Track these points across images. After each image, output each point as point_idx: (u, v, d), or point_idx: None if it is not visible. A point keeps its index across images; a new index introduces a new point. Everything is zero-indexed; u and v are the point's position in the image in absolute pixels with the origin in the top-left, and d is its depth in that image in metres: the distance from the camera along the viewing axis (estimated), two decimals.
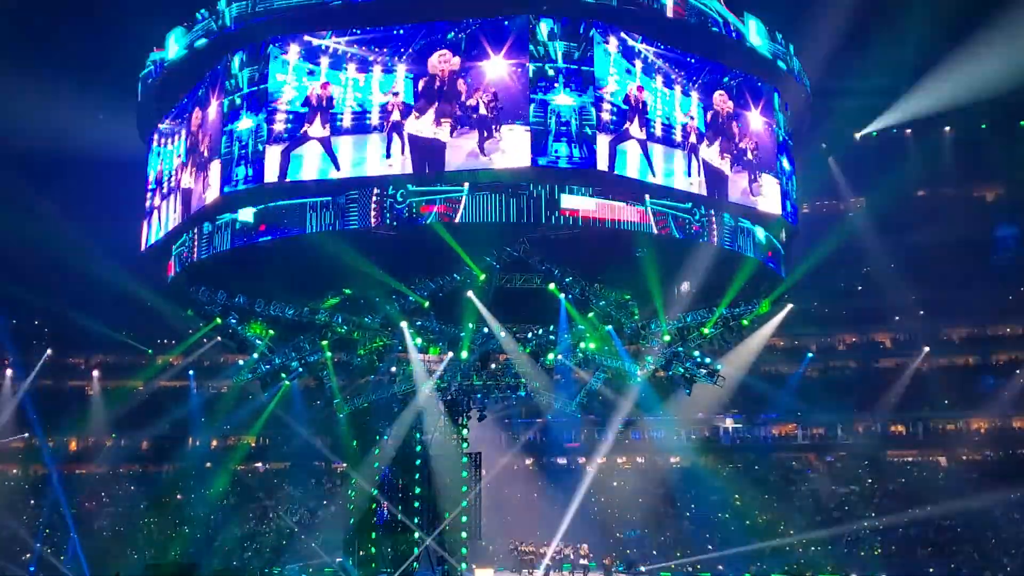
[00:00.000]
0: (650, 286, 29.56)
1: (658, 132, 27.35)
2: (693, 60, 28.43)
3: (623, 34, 26.96)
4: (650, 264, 28.52)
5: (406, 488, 33.19)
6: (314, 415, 45.36)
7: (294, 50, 27.01)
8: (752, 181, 29.47)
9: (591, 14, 26.38)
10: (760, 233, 30.53)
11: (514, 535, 42.81)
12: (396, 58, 26.33)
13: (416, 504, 32.63)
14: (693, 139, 28.16)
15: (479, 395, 33.94)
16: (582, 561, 39.42)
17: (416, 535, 32.45)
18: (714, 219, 28.57)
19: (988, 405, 50.79)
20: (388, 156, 25.97)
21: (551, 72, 25.81)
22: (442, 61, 25.90)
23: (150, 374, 53.32)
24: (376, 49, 26.48)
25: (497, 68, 25.91)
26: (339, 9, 26.44)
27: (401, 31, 26.41)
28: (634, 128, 26.74)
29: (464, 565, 32.21)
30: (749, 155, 29.46)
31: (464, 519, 31.90)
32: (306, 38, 26.97)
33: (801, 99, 32.43)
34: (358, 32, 26.68)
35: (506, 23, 25.99)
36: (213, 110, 28.47)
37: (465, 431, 32.71)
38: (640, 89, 27.16)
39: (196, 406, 52.14)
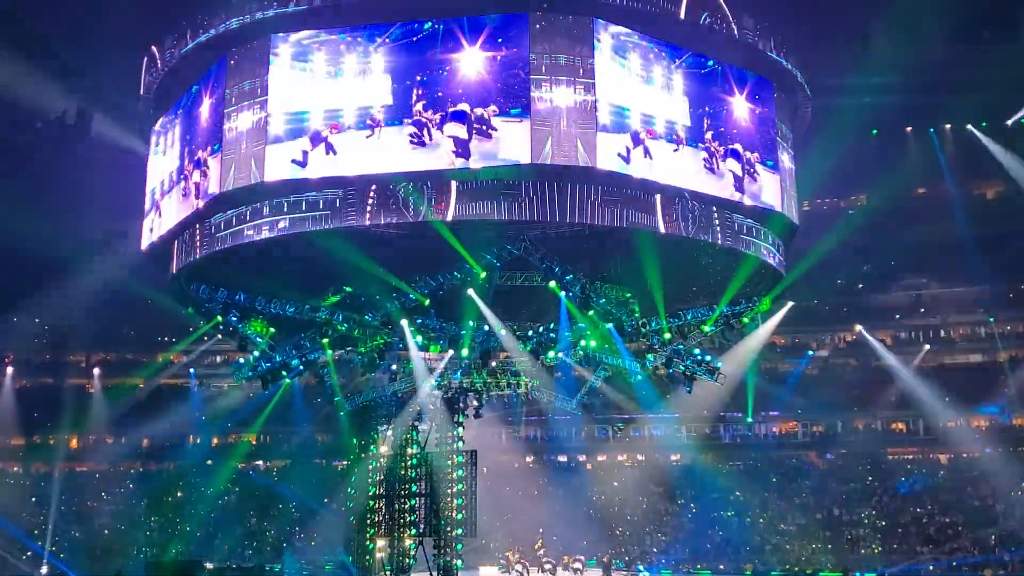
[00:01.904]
0: (650, 283, 29.49)
1: (659, 129, 27.25)
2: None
3: (621, 28, 26.89)
4: (650, 261, 28.44)
5: (405, 486, 33.16)
6: (314, 413, 45.49)
7: (291, 48, 26.98)
8: (752, 177, 29.35)
9: (590, 9, 26.32)
10: (760, 230, 30.44)
11: (512, 533, 42.87)
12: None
13: (414, 502, 32.63)
14: (690, 135, 28.03)
15: (479, 393, 33.92)
16: (575, 564, 39.22)
17: (414, 533, 32.44)
18: (715, 216, 28.49)
19: (989, 402, 50.76)
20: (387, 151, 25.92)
21: (551, 68, 25.75)
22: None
23: (151, 372, 53.37)
24: (376, 46, 26.48)
25: (495, 65, 25.85)
26: (333, 7, 26.43)
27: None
28: (634, 124, 26.64)
29: (460, 563, 32.19)
30: (748, 151, 29.34)
31: (460, 516, 31.90)
32: (303, 36, 26.95)
33: (800, 94, 32.27)
34: (348, 29, 26.68)
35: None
36: (211, 108, 28.45)
37: (460, 429, 32.70)
38: (638, 84, 27.08)
39: (197, 404, 52.22)
